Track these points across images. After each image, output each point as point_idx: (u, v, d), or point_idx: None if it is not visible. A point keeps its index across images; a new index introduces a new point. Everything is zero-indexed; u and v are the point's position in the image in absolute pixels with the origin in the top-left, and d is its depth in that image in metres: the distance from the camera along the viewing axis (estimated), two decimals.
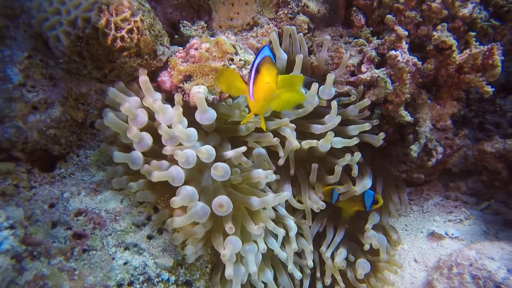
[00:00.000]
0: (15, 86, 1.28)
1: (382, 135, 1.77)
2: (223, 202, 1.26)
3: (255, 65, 1.09)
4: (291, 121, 1.69)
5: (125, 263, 1.29)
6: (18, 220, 1.04)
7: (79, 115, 1.44)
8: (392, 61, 1.74)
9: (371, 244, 1.72)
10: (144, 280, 1.29)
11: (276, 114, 1.72)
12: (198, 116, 1.38)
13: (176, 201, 1.24)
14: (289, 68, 1.82)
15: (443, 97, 1.87)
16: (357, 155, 1.69)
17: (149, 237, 1.37)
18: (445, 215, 2.14)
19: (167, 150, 1.33)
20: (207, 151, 1.27)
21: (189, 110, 1.45)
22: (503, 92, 2.59)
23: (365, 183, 1.78)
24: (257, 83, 1.06)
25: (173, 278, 1.34)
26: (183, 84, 1.49)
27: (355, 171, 1.73)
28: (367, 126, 1.75)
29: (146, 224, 1.39)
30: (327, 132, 1.67)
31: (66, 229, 1.27)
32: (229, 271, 1.28)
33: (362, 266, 1.73)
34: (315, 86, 1.66)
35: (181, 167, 1.29)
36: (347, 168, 1.76)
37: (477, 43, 1.69)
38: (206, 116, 1.36)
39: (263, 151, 1.62)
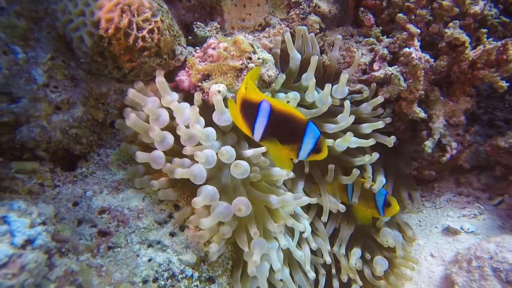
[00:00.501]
0: (39, 86, 1.30)
1: (393, 138, 1.77)
2: (241, 206, 1.27)
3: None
4: None
5: (149, 260, 1.30)
6: (48, 217, 1.06)
7: (100, 115, 1.46)
8: (405, 58, 1.76)
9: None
10: (169, 277, 1.30)
11: None
12: (215, 118, 1.40)
13: (198, 201, 1.26)
14: (302, 68, 1.84)
15: (456, 94, 1.89)
16: (375, 155, 1.70)
17: (172, 234, 1.38)
18: (458, 211, 2.15)
19: (187, 150, 1.35)
20: (228, 152, 1.28)
21: (208, 109, 1.47)
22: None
23: (380, 180, 1.79)
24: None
25: (196, 274, 1.35)
26: (201, 83, 1.50)
27: (369, 174, 1.74)
28: (380, 124, 1.75)
29: (168, 222, 1.40)
30: (340, 131, 1.68)
31: (91, 226, 1.28)
32: (252, 269, 1.30)
33: (380, 263, 1.73)
34: (328, 86, 1.68)
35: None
36: (360, 168, 1.77)
37: (490, 39, 1.71)
38: (224, 117, 1.38)
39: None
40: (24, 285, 0.94)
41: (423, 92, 1.79)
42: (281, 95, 1.69)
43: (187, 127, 1.35)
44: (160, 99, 1.42)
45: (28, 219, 0.97)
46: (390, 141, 1.77)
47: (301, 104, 1.73)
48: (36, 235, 0.97)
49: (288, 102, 1.64)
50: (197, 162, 1.32)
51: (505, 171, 2.13)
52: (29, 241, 0.96)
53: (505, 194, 2.21)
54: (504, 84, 1.71)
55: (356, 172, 1.69)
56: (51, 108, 1.32)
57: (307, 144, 1.16)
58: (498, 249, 1.54)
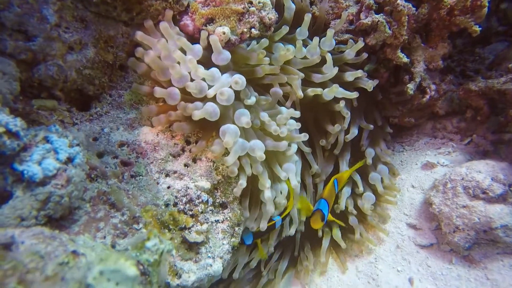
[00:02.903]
0: (52, 26, 1.34)
1: (372, 82, 1.96)
2: (258, 152, 1.44)
3: None
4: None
5: (169, 187, 1.43)
6: (81, 141, 1.15)
7: (109, 57, 1.52)
8: (391, 5, 1.90)
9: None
10: (187, 201, 1.44)
11: (286, 63, 1.84)
12: (214, 57, 1.50)
13: (229, 141, 1.39)
14: (295, 18, 1.93)
15: (435, 40, 2.07)
16: (355, 94, 1.90)
17: (186, 165, 1.51)
18: (435, 150, 2.40)
19: (210, 93, 1.44)
20: (240, 78, 1.40)
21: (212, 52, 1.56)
22: (481, 42, 2.83)
23: (353, 132, 2.00)
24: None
25: (211, 199, 1.50)
26: (206, 26, 1.59)
27: (345, 125, 1.94)
28: (359, 73, 1.94)
29: (181, 155, 1.53)
30: (327, 80, 1.84)
31: (114, 157, 1.39)
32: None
33: (368, 199, 1.95)
34: (316, 39, 1.82)
35: (219, 104, 1.43)
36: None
37: None
38: (221, 56, 1.49)
39: (280, 90, 1.77)
40: (71, 196, 1.06)
41: (407, 37, 1.95)
42: (280, 45, 1.80)
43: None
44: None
45: (66, 139, 1.07)
46: (369, 84, 1.96)
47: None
48: (75, 154, 1.07)
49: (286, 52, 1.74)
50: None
51: (474, 113, 2.38)
52: (70, 159, 1.07)
53: (473, 135, 2.47)
54: (477, 28, 1.90)
55: (337, 127, 1.89)
56: (65, 47, 1.38)
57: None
58: (468, 171, 1.79)
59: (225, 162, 1.44)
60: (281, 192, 1.64)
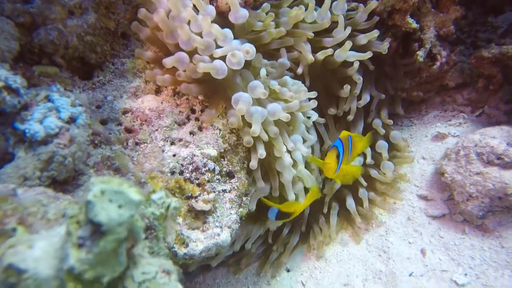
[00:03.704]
0: None
1: (387, 43, 1.89)
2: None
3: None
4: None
5: (174, 155, 1.40)
6: (84, 103, 1.12)
7: (111, 24, 1.48)
8: None
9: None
10: (193, 170, 1.41)
11: (295, 26, 1.79)
12: (232, 16, 1.45)
13: (242, 108, 1.37)
14: None
15: (446, 4, 1.99)
16: (368, 54, 1.82)
17: (192, 133, 1.47)
18: (445, 122, 2.34)
19: (218, 53, 1.39)
20: (252, 48, 1.36)
21: (217, 16, 1.51)
22: (493, 12, 2.74)
23: (365, 98, 1.94)
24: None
25: (218, 168, 1.47)
26: None
27: (357, 90, 1.88)
28: (375, 33, 1.85)
29: (186, 123, 1.49)
30: (337, 44, 1.77)
31: (117, 124, 1.36)
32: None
33: (389, 167, 1.91)
34: (327, 1, 1.74)
35: (229, 67, 1.38)
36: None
37: None
38: (240, 13, 1.43)
39: (287, 62, 1.71)
40: (75, 157, 1.03)
41: (416, 0, 1.88)
42: (288, 9, 1.75)
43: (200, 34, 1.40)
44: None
45: (68, 99, 1.04)
46: (384, 47, 1.89)
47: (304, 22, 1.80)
48: (78, 114, 1.04)
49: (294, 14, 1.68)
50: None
51: (487, 82, 2.31)
52: (73, 119, 1.03)
53: (485, 106, 2.40)
54: None
55: (346, 88, 1.82)
56: (65, 11, 1.34)
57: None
58: (482, 137, 1.73)
59: (251, 133, 1.41)
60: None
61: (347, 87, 1.84)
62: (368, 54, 1.84)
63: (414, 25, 1.94)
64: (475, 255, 1.68)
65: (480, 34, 2.69)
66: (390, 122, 2.05)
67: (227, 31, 1.42)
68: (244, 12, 1.45)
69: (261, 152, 1.44)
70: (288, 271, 1.97)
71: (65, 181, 1.09)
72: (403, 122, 2.58)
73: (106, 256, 0.47)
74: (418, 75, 2.36)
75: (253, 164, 1.48)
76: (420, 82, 2.45)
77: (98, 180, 0.49)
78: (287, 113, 1.47)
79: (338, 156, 1.50)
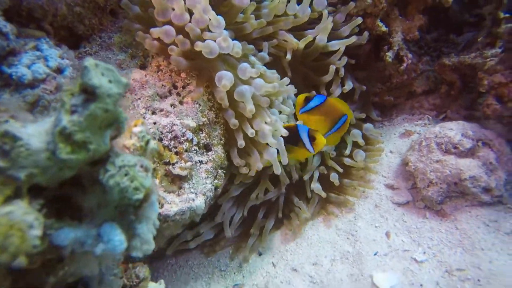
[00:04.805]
0: None
1: (366, 33, 2.05)
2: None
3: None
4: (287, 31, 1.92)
5: (155, 123, 1.47)
6: (71, 58, 1.18)
7: (100, 0, 1.57)
8: None
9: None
10: (172, 138, 1.48)
11: (276, 19, 1.92)
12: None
13: (226, 84, 1.48)
14: None
15: (412, 12, 2.20)
16: (344, 59, 1.98)
17: (172, 106, 1.55)
18: (412, 123, 2.52)
19: (208, 35, 1.49)
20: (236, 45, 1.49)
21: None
22: (455, 32, 3.03)
23: (349, 84, 2.08)
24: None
25: (196, 139, 1.54)
26: None
27: (341, 72, 2.02)
28: (359, 20, 2.01)
29: (168, 96, 1.57)
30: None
31: None
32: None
33: (360, 154, 2.03)
34: None
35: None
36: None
37: None
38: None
39: (267, 56, 1.84)
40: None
41: (385, 5, 2.07)
42: (268, 2, 1.89)
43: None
44: None
45: (57, 51, 1.10)
46: (364, 37, 2.07)
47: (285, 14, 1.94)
48: (65, 66, 1.10)
49: (274, 6, 1.83)
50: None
51: (449, 88, 2.52)
52: (60, 69, 1.10)
53: (447, 111, 2.61)
54: None
55: (332, 68, 1.95)
56: None
57: (305, 139, 1.69)
58: (441, 129, 1.89)
59: (249, 112, 1.51)
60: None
61: (332, 67, 1.94)
62: (353, 38, 1.98)
63: (384, 28, 2.13)
64: (433, 237, 1.80)
65: (444, 49, 2.96)
66: (363, 115, 2.19)
67: (221, 18, 1.52)
68: (248, 0, 1.59)
69: (251, 131, 1.53)
70: (260, 254, 2.01)
71: None
72: (375, 125, 2.74)
73: (93, 123, 0.53)
74: (389, 80, 2.55)
75: (241, 142, 1.56)
76: (390, 87, 2.64)
77: (91, 58, 0.56)
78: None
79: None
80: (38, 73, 1.03)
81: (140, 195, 0.60)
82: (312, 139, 1.74)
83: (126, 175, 0.59)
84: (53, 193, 0.59)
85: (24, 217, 0.51)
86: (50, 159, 0.54)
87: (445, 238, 1.76)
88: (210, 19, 1.49)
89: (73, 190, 0.61)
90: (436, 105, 2.73)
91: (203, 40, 1.48)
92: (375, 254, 1.79)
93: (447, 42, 2.99)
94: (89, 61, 0.54)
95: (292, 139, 1.71)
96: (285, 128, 1.66)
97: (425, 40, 2.74)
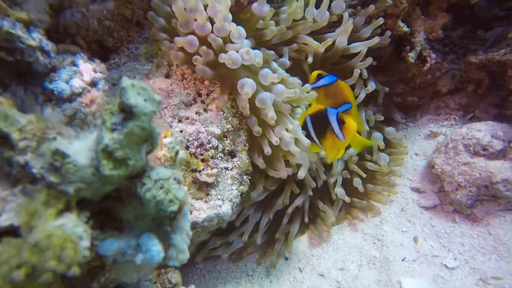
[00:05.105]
0: None
1: (388, 32, 2.02)
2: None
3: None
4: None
5: (181, 131, 1.51)
6: (103, 71, 1.24)
7: (128, 13, 1.63)
8: None
9: None
10: (198, 145, 1.51)
11: (294, 23, 1.93)
12: (257, 9, 1.61)
13: (247, 91, 1.50)
14: None
15: (434, 12, 2.16)
16: (369, 59, 1.95)
17: (198, 113, 1.59)
18: (438, 124, 2.46)
19: (230, 47, 1.52)
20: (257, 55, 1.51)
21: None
22: (483, 28, 2.93)
23: (371, 85, 2.06)
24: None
25: (221, 146, 1.57)
26: None
27: (365, 74, 2.00)
28: (380, 21, 1.98)
29: (193, 104, 1.61)
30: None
31: None
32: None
33: (384, 158, 2.00)
34: (326, 0, 1.90)
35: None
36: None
37: None
38: (264, 8, 1.61)
39: (288, 61, 1.85)
40: (95, 116, 1.14)
41: (406, 5, 2.04)
42: (286, 7, 1.90)
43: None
44: None
45: (91, 65, 1.16)
46: (386, 36, 2.03)
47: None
48: (99, 79, 1.16)
49: (292, 11, 1.84)
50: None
51: (476, 87, 2.44)
52: (94, 83, 1.15)
53: (475, 110, 2.53)
54: None
55: (356, 72, 1.93)
56: None
57: (334, 123, 1.48)
58: (468, 130, 1.84)
59: (270, 119, 1.53)
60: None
61: (357, 71, 1.91)
62: (376, 39, 1.95)
63: (405, 28, 2.09)
64: (464, 242, 1.75)
65: (471, 45, 2.87)
66: (381, 118, 2.15)
67: (241, 29, 1.55)
68: (267, 8, 1.62)
69: (276, 139, 1.55)
70: (286, 259, 2.02)
71: None
72: (398, 126, 2.70)
73: (131, 140, 0.56)
74: (412, 81, 2.50)
75: (268, 150, 1.58)
76: (414, 88, 2.59)
77: (128, 79, 0.59)
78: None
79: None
80: (75, 88, 1.09)
81: (174, 207, 0.63)
82: (341, 122, 1.51)
83: (161, 188, 0.62)
84: (97, 206, 0.63)
85: (75, 229, 0.54)
86: (95, 174, 0.58)
87: (477, 243, 1.71)
88: (231, 31, 1.52)
89: (113, 203, 0.65)
90: (463, 104, 2.65)
91: (226, 51, 1.51)
92: (403, 260, 1.76)
93: (474, 39, 2.89)
94: (126, 82, 0.57)
95: (321, 124, 1.55)
96: (314, 112, 1.55)
97: (450, 38, 2.67)
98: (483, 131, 1.80)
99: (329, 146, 1.60)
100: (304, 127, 1.62)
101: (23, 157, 0.65)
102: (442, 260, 1.71)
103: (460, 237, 1.79)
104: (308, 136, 1.60)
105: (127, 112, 0.57)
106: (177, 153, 0.95)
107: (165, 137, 0.96)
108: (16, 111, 0.68)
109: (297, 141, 1.63)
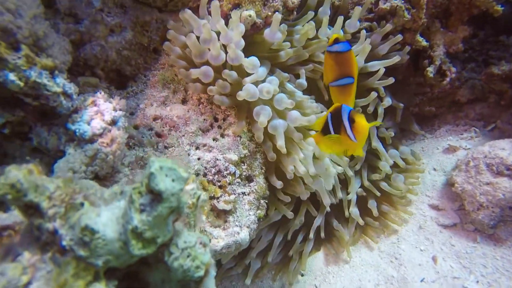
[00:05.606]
0: (96, 10, 1.48)
1: (407, 48, 1.98)
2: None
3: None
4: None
5: (199, 158, 1.53)
6: (123, 108, 1.27)
7: (145, 40, 1.65)
8: None
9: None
10: (216, 172, 1.53)
11: (309, 45, 1.91)
12: (269, 35, 1.61)
13: (262, 120, 1.51)
14: (318, 5, 2.01)
15: (455, 24, 2.10)
16: (391, 79, 1.93)
17: (215, 139, 1.61)
18: (457, 136, 2.41)
19: (247, 81, 1.53)
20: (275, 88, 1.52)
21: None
22: (505, 32, 2.82)
23: (387, 100, 2.02)
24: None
25: (238, 172, 1.58)
26: (232, 11, 1.69)
27: (382, 92, 1.97)
28: (399, 37, 1.94)
29: (210, 130, 1.63)
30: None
31: (149, 129, 1.50)
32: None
33: (399, 179, 1.97)
34: (340, 18, 1.88)
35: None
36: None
37: None
38: (277, 35, 1.62)
39: (305, 82, 1.84)
40: (115, 155, 1.17)
41: (425, 20, 2.00)
42: (299, 26, 1.89)
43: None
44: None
45: (111, 104, 1.18)
46: (405, 51, 2.00)
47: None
48: (119, 117, 1.19)
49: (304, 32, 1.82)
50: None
51: (498, 98, 2.37)
52: (114, 121, 1.18)
53: (497, 121, 2.46)
54: (499, 8, 1.92)
55: (373, 94, 1.90)
56: (107, 30, 1.51)
57: (345, 121, 1.37)
58: (491, 149, 1.80)
59: (279, 148, 1.54)
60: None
61: (374, 94, 1.89)
62: (396, 59, 1.92)
63: (424, 43, 2.05)
64: (487, 264, 1.72)
65: (492, 52, 2.77)
66: (391, 134, 2.10)
67: (255, 59, 1.55)
68: (279, 35, 1.62)
69: (291, 168, 1.56)
70: (302, 275, 2.04)
71: (105, 177, 1.23)
72: (416, 137, 2.65)
73: (160, 220, 0.59)
74: (430, 91, 2.45)
75: (290, 175, 1.60)
76: (431, 98, 2.54)
77: (156, 159, 0.61)
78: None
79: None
80: (97, 129, 1.12)
81: (201, 273, 0.65)
82: (351, 121, 1.39)
83: (188, 256, 0.64)
84: (124, 271, 0.66)
85: None
86: (123, 248, 0.60)
87: (501, 266, 1.67)
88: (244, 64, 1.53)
89: (140, 267, 0.67)
90: (484, 114, 2.58)
91: (242, 84, 1.53)
92: (421, 281, 1.75)
93: (496, 44, 2.80)
94: (155, 166, 0.59)
95: (336, 122, 1.45)
96: (333, 109, 1.45)
97: (469, 43, 2.58)
98: (507, 150, 1.75)
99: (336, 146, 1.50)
100: (326, 125, 1.50)
101: (52, 224, 0.68)
102: (463, 282, 1.69)
103: (482, 258, 1.76)
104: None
105: (156, 195, 0.59)
106: (198, 198, 0.97)
107: (187, 184, 0.98)
108: (45, 178, 0.71)
109: (316, 161, 1.64)
